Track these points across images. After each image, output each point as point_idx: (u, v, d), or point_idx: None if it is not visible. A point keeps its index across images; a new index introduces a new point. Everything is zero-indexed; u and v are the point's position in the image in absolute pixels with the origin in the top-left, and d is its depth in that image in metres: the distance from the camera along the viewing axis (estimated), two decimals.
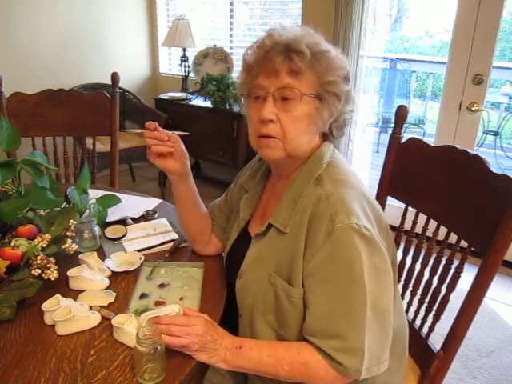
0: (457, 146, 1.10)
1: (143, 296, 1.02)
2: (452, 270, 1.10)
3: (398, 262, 1.01)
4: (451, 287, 1.09)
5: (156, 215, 1.42)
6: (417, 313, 1.20)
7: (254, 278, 0.93)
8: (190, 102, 3.44)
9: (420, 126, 4.68)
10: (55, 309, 0.91)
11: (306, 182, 0.89)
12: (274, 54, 0.84)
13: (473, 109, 2.52)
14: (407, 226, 1.25)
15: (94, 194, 1.38)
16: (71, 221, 1.15)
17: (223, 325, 1.11)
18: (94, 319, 0.93)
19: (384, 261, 0.85)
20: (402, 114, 1.24)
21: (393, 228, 1.02)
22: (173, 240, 1.26)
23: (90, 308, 0.96)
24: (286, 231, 0.88)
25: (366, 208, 0.86)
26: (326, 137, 0.95)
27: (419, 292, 1.18)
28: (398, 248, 1.20)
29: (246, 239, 1.00)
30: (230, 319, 1.01)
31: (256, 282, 0.92)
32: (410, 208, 1.23)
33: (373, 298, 0.81)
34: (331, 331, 0.81)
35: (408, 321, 1.10)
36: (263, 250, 0.93)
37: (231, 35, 3.71)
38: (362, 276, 0.80)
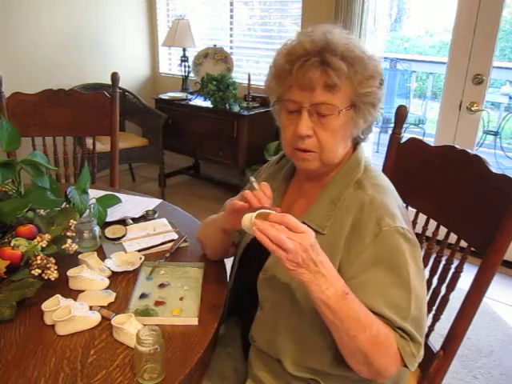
0: (457, 146, 1.10)
1: (143, 296, 1.02)
2: (452, 270, 1.11)
3: None
4: (451, 287, 1.09)
5: (156, 215, 1.42)
6: None
7: (281, 274, 0.91)
8: (190, 102, 3.44)
9: (420, 126, 4.68)
10: (55, 309, 0.91)
11: (345, 185, 0.90)
12: (310, 67, 0.82)
13: (473, 109, 2.52)
14: None
15: (94, 194, 1.38)
16: (71, 221, 1.15)
17: (230, 316, 1.12)
18: (94, 319, 0.93)
19: (422, 262, 0.88)
20: (401, 113, 1.24)
21: None
22: (173, 240, 1.26)
23: (90, 308, 0.96)
24: (324, 232, 0.87)
25: (403, 212, 0.89)
26: (355, 139, 0.94)
27: None
28: None
29: None
30: (240, 311, 1.00)
31: (284, 278, 0.91)
32: (409, 208, 1.23)
33: (418, 299, 0.83)
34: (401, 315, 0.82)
35: None
36: None
37: (231, 35, 3.70)
38: (409, 278, 0.81)
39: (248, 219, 0.78)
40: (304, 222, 0.88)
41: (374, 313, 0.80)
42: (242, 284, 1.08)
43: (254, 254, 0.98)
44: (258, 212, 0.77)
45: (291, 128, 0.88)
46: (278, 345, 0.93)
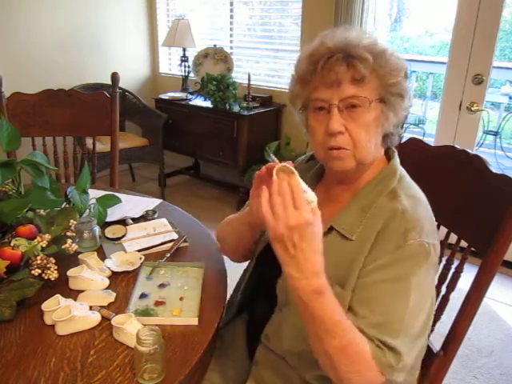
0: (457, 146, 1.10)
1: (143, 296, 1.02)
2: (452, 270, 1.11)
3: None
4: (451, 287, 1.09)
5: (156, 215, 1.42)
6: None
7: None
8: (190, 102, 3.44)
9: (420, 126, 4.68)
10: (55, 309, 0.91)
11: (379, 194, 0.88)
12: (335, 62, 0.81)
13: (473, 109, 2.52)
14: None
15: (94, 193, 1.38)
16: (71, 221, 1.15)
17: (240, 312, 1.13)
18: (94, 319, 0.93)
19: (434, 279, 0.86)
20: None
21: None
22: (173, 240, 1.26)
23: (90, 308, 0.96)
24: (352, 238, 0.86)
25: (433, 225, 0.88)
26: (386, 138, 0.91)
27: None
28: None
29: None
30: (250, 308, 1.00)
31: None
32: None
33: (412, 314, 0.80)
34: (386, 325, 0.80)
35: None
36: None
37: (231, 35, 3.70)
38: (409, 292, 0.79)
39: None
40: (332, 226, 0.89)
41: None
42: (257, 281, 1.07)
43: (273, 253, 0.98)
44: (282, 164, 0.74)
45: (321, 128, 0.85)
46: (294, 349, 0.92)
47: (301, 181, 0.74)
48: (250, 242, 1.05)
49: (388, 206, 0.85)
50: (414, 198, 0.87)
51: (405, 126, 1.26)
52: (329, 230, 0.90)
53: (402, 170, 0.92)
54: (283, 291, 0.94)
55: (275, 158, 0.80)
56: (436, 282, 0.87)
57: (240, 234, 1.03)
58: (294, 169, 0.74)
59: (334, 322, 0.75)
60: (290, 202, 0.70)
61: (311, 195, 0.74)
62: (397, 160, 0.93)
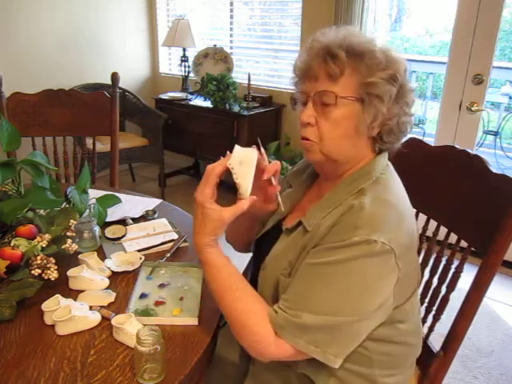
0: (457, 146, 1.10)
1: (143, 296, 1.02)
2: (452, 270, 1.11)
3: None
4: (451, 287, 1.09)
5: (156, 215, 1.42)
6: None
7: (273, 272, 0.92)
8: (190, 102, 3.44)
9: (420, 126, 4.68)
10: (55, 309, 0.91)
11: (348, 193, 0.86)
12: (313, 58, 0.85)
13: (473, 109, 2.52)
14: None
15: (94, 193, 1.38)
16: (71, 221, 1.15)
17: None
18: (94, 319, 0.93)
19: (383, 280, 0.81)
20: None
21: None
22: (173, 240, 1.26)
23: (90, 308, 0.96)
24: (309, 229, 0.87)
25: (402, 229, 0.82)
26: (376, 142, 0.90)
27: (419, 292, 1.18)
28: None
29: (278, 233, 0.98)
30: None
31: (275, 276, 0.91)
32: None
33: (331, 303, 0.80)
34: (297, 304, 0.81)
35: None
36: (288, 245, 0.92)
37: (231, 35, 3.70)
38: (332, 278, 0.79)
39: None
40: (300, 221, 0.90)
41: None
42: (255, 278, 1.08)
43: (266, 243, 0.99)
44: (246, 149, 0.86)
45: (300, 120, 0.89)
46: None
47: (248, 169, 0.85)
48: (249, 233, 1.08)
49: (350, 203, 0.83)
50: (383, 200, 0.83)
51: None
52: (297, 225, 0.91)
53: (384, 171, 0.89)
54: (260, 285, 0.95)
55: (263, 150, 0.91)
56: (388, 280, 0.80)
57: (239, 224, 1.02)
58: (243, 156, 0.86)
59: (230, 280, 0.86)
60: (204, 180, 0.88)
61: (245, 188, 0.85)
62: (378, 162, 0.90)
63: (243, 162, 0.85)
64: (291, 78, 0.95)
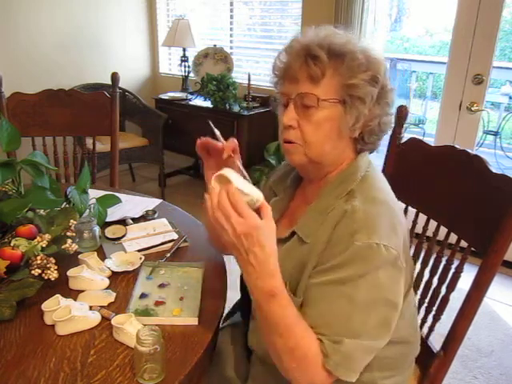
0: (457, 146, 1.10)
1: (143, 296, 1.02)
2: (452, 270, 1.11)
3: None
4: (451, 287, 1.09)
5: (156, 215, 1.42)
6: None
7: None
8: (190, 102, 3.44)
9: (420, 126, 4.68)
10: (55, 309, 0.91)
11: (337, 196, 0.85)
12: (293, 59, 0.84)
13: (473, 109, 2.52)
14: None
15: (94, 193, 1.38)
16: (71, 221, 1.15)
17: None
18: (94, 319, 0.93)
19: (392, 279, 0.81)
20: (402, 113, 1.24)
21: None
22: (173, 240, 1.26)
23: (90, 308, 0.96)
24: (307, 241, 0.85)
25: (396, 228, 0.82)
26: (357, 142, 0.90)
27: (419, 292, 1.18)
28: None
29: None
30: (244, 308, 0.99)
31: None
32: (410, 208, 1.23)
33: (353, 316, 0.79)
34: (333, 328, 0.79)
35: None
36: (283, 256, 0.87)
37: (231, 35, 3.70)
38: (355, 294, 0.77)
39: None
40: (294, 231, 0.89)
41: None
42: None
43: None
44: (217, 174, 0.76)
45: (281, 122, 0.87)
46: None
47: (242, 181, 0.76)
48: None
49: (342, 208, 0.82)
50: (372, 198, 0.83)
51: (405, 125, 1.26)
52: (291, 235, 0.90)
53: (368, 170, 0.89)
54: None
55: (217, 131, 0.91)
56: (400, 283, 0.81)
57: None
58: (230, 175, 0.75)
59: (285, 326, 0.76)
60: (231, 211, 0.71)
61: (256, 193, 0.75)
62: (361, 159, 0.90)
63: (235, 179, 0.80)
64: (270, 78, 0.94)
